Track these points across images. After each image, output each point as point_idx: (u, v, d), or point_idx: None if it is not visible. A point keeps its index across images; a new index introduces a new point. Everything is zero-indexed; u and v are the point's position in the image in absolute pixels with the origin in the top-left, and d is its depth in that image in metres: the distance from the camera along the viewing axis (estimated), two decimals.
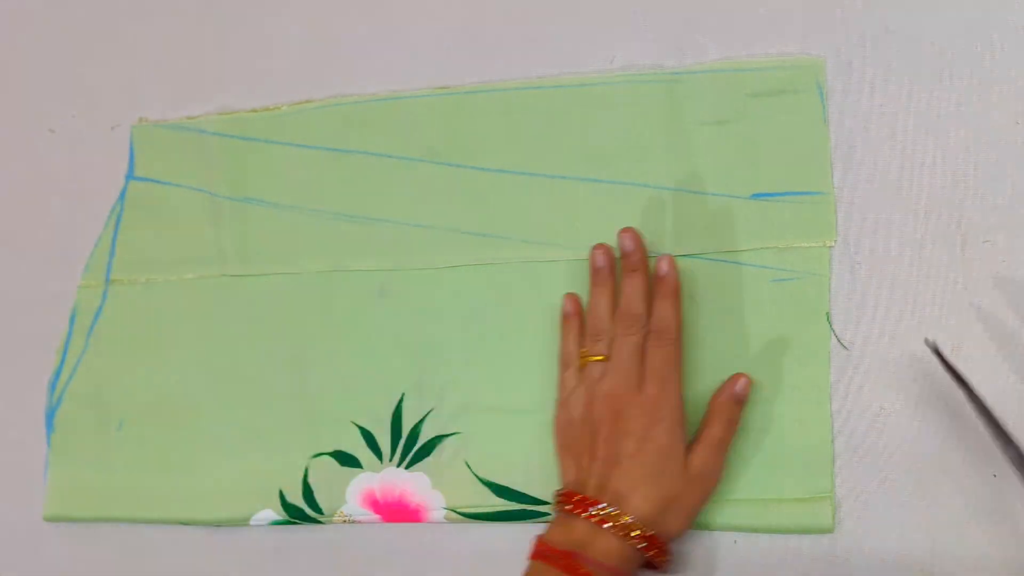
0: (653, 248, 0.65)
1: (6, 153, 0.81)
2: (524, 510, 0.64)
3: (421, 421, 0.67)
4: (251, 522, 0.68)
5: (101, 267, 0.75)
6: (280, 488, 0.68)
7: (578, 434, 0.61)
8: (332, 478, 0.67)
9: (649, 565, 0.59)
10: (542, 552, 0.57)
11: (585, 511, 0.57)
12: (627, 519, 0.56)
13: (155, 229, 0.75)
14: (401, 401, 0.68)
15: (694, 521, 0.60)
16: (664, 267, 0.61)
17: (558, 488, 0.61)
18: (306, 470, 0.68)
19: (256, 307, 0.72)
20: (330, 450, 0.68)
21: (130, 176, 0.77)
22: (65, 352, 0.74)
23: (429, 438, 0.67)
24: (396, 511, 0.66)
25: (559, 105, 0.61)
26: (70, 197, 0.78)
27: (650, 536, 0.57)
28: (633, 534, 0.56)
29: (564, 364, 0.64)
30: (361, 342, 0.69)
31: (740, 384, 0.61)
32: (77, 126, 0.80)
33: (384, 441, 0.67)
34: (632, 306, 0.61)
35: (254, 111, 0.75)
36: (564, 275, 0.67)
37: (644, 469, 0.58)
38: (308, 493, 0.67)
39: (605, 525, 0.56)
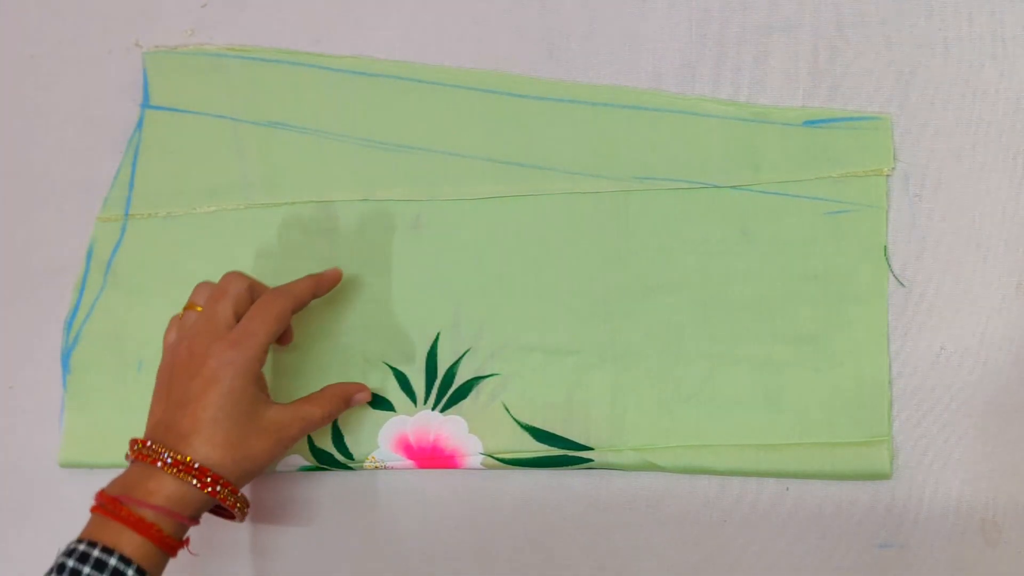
0: (702, 179, 0.63)
1: (16, 75, 0.77)
2: (566, 456, 0.63)
3: (457, 362, 0.65)
4: (278, 468, 0.66)
5: (120, 200, 0.73)
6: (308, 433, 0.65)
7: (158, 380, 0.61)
8: (363, 422, 0.66)
9: (221, 511, 0.59)
10: (98, 501, 0.56)
11: (138, 455, 0.56)
12: (178, 456, 0.55)
13: (175, 159, 0.72)
14: (436, 340, 0.66)
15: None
16: None
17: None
18: None
19: (282, 240, 0.70)
20: None
21: (145, 104, 0.74)
22: (82, 290, 0.72)
23: (466, 379, 0.65)
24: (430, 457, 0.65)
25: None
26: (87, 123, 0.75)
27: (206, 471, 0.55)
28: (188, 472, 0.55)
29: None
30: (394, 277, 0.67)
31: (360, 395, 0.64)
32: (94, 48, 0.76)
33: (418, 383, 0.66)
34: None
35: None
36: (607, 208, 0.64)
37: (208, 411, 0.56)
38: (338, 438, 0.66)
39: (158, 464, 0.55)
